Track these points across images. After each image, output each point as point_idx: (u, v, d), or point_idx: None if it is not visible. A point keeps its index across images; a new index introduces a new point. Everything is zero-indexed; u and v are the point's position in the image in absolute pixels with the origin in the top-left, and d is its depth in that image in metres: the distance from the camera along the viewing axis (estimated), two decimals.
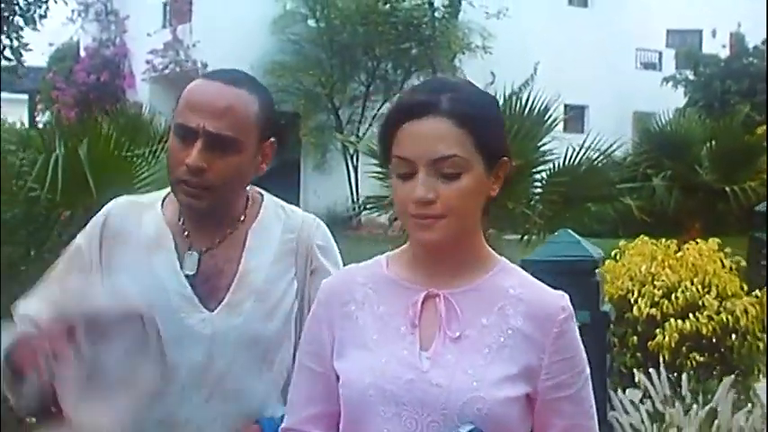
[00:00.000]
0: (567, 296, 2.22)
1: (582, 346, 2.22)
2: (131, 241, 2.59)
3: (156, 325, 2.39)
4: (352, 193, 23.19)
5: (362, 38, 24.10)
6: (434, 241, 2.14)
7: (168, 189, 2.64)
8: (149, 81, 25.96)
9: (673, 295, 6.78)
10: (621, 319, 6.75)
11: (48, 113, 26.69)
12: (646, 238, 7.52)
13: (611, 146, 11.42)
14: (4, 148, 8.97)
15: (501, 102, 13.11)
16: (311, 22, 24.97)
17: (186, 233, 2.60)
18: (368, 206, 15.29)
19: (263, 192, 2.73)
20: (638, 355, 6.65)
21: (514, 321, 2.16)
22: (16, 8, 8.33)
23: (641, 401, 4.65)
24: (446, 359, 2.14)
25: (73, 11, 26.65)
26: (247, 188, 2.66)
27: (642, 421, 4.38)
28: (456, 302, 2.17)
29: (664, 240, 7.47)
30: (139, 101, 24.01)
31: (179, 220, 2.61)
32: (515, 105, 12.91)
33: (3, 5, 8.01)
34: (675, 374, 5.49)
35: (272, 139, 2.58)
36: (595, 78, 29.23)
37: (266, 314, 2.57)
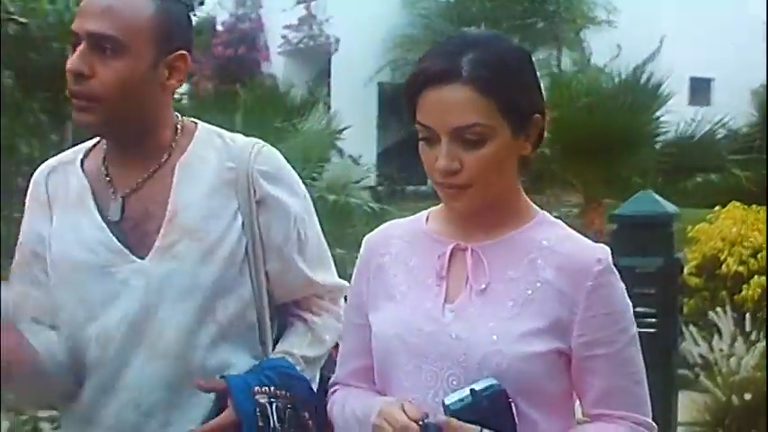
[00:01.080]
0: (607, 249, 2.10)
1: (626, 303, 2.11)
2: (60, 206, 2.41)
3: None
4: None
5: (489, 12, 24.45)
6: (463, 209, 2.09)
7: (95, 140, 2.48)
8: (284, 55, 26.84)
9: (759, 254, 7.47)
10: (712, 276, 7.51)
11: (186, 85, 27.18)
12: (737, 204, 8.21)
13: (722, 118, 11.88)
14: None
15: (625, 75, 13.66)
16: None
17: (108, 178, 2.38)
18: None
19: (197, 121, 2.48)
20: (726, 307, 7.35)
21: (544, 273, 2.05)
22: None
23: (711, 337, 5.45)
24: (469, 312, 2.07)
25: None
26: (177, 117, 2.43)
27: (711, 350, 5.18)
28: (484, 255, 2.09)
29: (754, 206, 8.15)
30: (273, 74, 25.03)
31: (102, 165, 2.40)
32: (639, 78, 13.50)
33: None
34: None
35: (183, 52, 2.34)
36: (722, 51, 28.96)
37: (204, 254, 2.32)
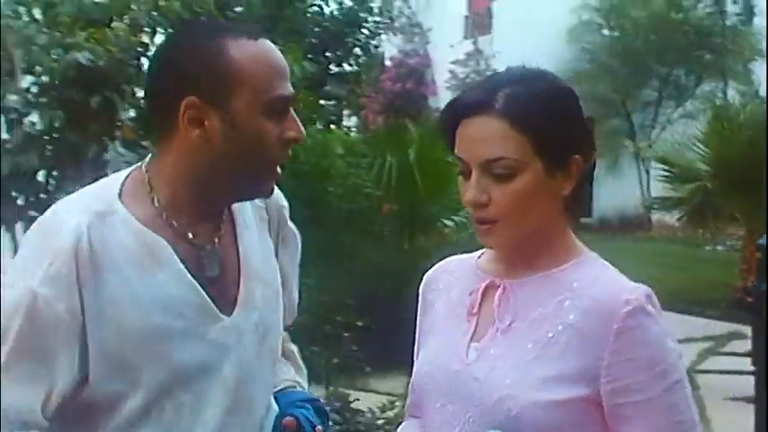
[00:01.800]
0: (643, 290, 1.95)
1: (663, 347, 1.94)
2: (115, 264, 2.00)
3: None
4: (642, 195, 23.62)
5: (654, 46, 24.46)
6: (493, 246, 2.06)
7: (114, 183, 2.10)
8: (451, 89, 27.29)
9: None
10: None
11: (354, 118, 27.54)
12: None
13: None
14: (334, 152, 10.54)
15: None
16: (605, 32, 25.55)
17: (180, 231, 2.07)
18: (654, 207, 16.14)
19: None
20: None
21: (568, 316, 1.94)
22: (357, 41, 10.26)
23: None
24: (490, 352, 1.99)
25: (378, 23, 27.52)
26: None
27: None
28: (513, 292, 2.02)
29: None
30: (441, 108, 25.52)
31: (161, 216, 2.06)
32: None
33: (348, 40, 9.90)
34: None
35: None
36: None
37: (273, 300, 2.21)
